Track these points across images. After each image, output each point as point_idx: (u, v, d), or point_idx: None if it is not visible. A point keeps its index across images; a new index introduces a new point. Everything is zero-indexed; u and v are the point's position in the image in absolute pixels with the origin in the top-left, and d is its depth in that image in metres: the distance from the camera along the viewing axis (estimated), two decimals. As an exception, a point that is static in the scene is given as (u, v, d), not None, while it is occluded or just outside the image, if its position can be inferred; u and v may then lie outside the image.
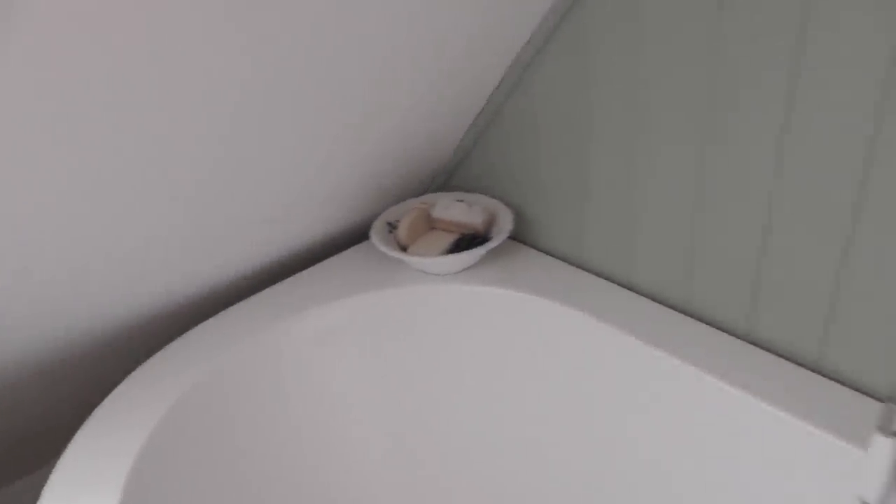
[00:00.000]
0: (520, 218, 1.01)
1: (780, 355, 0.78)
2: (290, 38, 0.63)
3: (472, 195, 1.03)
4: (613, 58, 0.77)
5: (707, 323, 0.83)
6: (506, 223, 0.96)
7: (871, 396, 0.72)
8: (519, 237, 1.02)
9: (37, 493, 1.06)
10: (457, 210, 0.99)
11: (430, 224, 1.00)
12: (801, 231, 0.70)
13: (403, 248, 0.96)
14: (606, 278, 0.92)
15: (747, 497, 0.76)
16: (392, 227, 1.00)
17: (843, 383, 0.74)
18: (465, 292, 0.93)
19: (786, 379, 0.75)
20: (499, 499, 0.98)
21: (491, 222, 0.99)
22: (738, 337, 0.80)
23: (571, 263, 0.96)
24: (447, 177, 1.08)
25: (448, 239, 0.97)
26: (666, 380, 0.80)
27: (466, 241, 0.95)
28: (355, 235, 1.08)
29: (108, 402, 0.79)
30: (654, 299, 0.88)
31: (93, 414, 0.78)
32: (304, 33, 0.64)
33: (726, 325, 0.81)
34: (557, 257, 0.98)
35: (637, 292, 0.89)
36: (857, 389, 0.73)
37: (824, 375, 0.75)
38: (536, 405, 0.94)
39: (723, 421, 0.76)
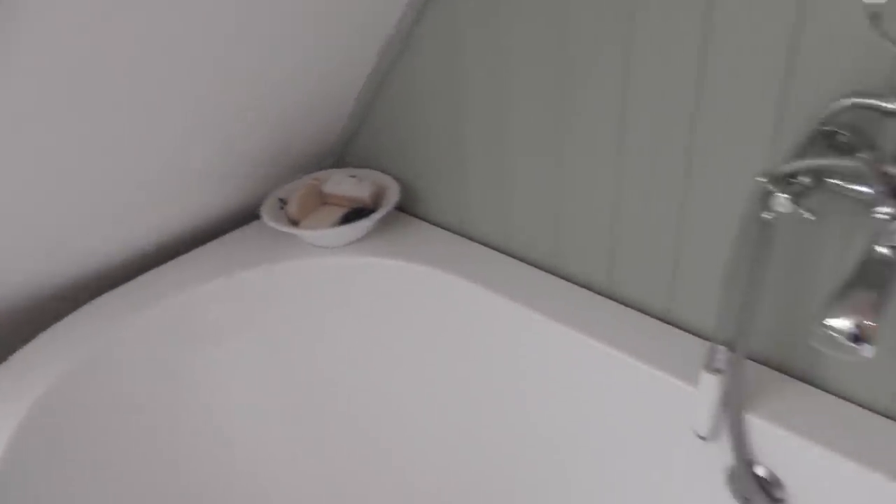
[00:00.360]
0: (408, 191, 1.05)
1: (638, 309, 0.85)
2: (177, 20, 0.65)
3: (363, 171, 1.07)
4: (478, 32, 0.82)
5: (575, 283, 0.90)
6: (393, 195, 1.00)
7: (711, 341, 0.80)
8: (409, 210, 1.06)
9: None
10: (347, 185, 1.02)
11: (321, 200, 1.03)
12: (646, 194, 0.77)
13: (295, 224, 0.99)
14: (488, 245, 0.98)
15: (612, 437, 0.83)
16: (283, 203, 1.03)
17: (688, 331, 0.81)
18: (354, 264, 0.97)
19: (640, 330, 0.82)
20: (395, 471, 1.03)
21: (379, 195, 1.03)
22: (600, 294, 0.87)
23: (456, 233, 1.01)
24: (340, 154, 1.12)
25: (338, 213, 1.00)
26: (537, 337, 0.86)
27: (355, 214, 0.99)
28: (248, 216, 1.10)
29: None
30: (530, 263, 0.94)
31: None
32: (190, 16, 0.66)
33: (591, 284, 0.88)
34: (444, 228, 1.02)
35: (515, 257, 0.95)
36: (698, 335, 0.81)
37: (672, 324, 0.82)
38: (427, 372, 0.99)
39: (590, 373, 0.82)
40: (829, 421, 0.69)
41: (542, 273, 0.92)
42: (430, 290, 0.95)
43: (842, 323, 0.54)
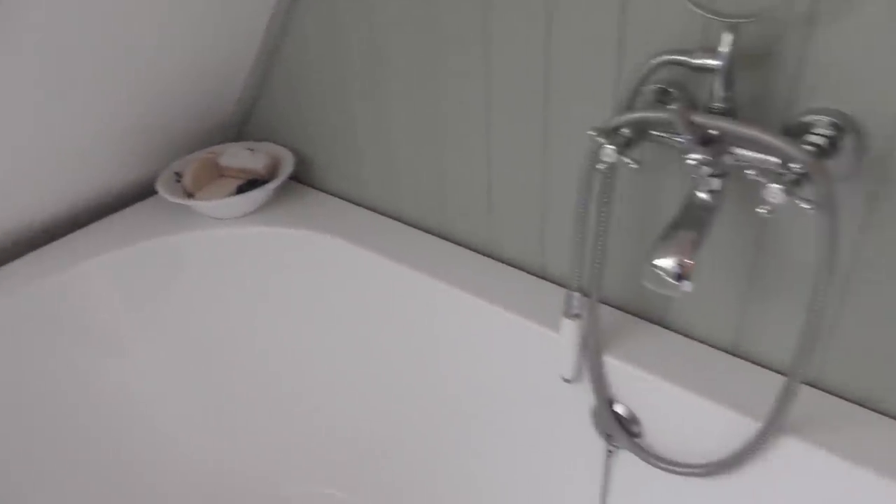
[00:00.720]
0: (305, 162, 1.07)
1: (517, 266, 0.89)
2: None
3: (261, 144, 1.09)
4: (354, 4, 0.85)
5: (459, 244, 0.94)
6: (287, 166, 1.02)
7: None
8: (306, 181, 1.09)
9: None
10: (242, 157, 1.04)
11: (218, 172, 1.05)
12: (513, 156, 0.81)
13: (190, 197, 1.01)
14: (379, 212, 1.01)
15: (491, 385, 0.87)
16: (179, 177, 1.04)
17: (561, 284, 0.86)
18: (249, 233, 0.99)
19: (516, 285, 0.86)
20: (299, 446, 1.07)
21: (275, 167, 1.05)
22: (483, 254, 0.92)
23: (352, 201, 1.04)
24: (239, 128, 1.13)
25: (233, 185, 1.02)
26: (422, 295, 0.89)
27: (250, 185, 1.01)
28: (147, 193, 1.11)
29: None
30: (418, 227, 0.97)
31: None
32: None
33: (472, 245, 0.92)
34: (339, 196, 1.05)
35: (404, 222, 0.98)
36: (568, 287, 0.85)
37: (546, 279, 0.87)
38: (323, 333, 1.02)
39: (469, 326, 0.87)
40: (678, 359, 0.75)
41: (429, 236, 0.96)
42: (322, 255, 0.98)
43: (665, 262, 0.59)
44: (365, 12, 0.84)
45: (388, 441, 1.02)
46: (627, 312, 0.80)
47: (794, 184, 0.54)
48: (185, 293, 1.01)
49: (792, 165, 0.54)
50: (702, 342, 0.76)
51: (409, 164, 0.92)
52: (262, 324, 1.04)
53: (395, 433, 1.01)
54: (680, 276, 0.59)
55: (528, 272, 0.88)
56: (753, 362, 0.73)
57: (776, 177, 0.54)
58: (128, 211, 1.05)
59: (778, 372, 0.73)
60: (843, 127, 0.58)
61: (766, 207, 0.55)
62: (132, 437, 1.00)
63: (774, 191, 0.54)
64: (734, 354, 0.75)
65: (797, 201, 0.54)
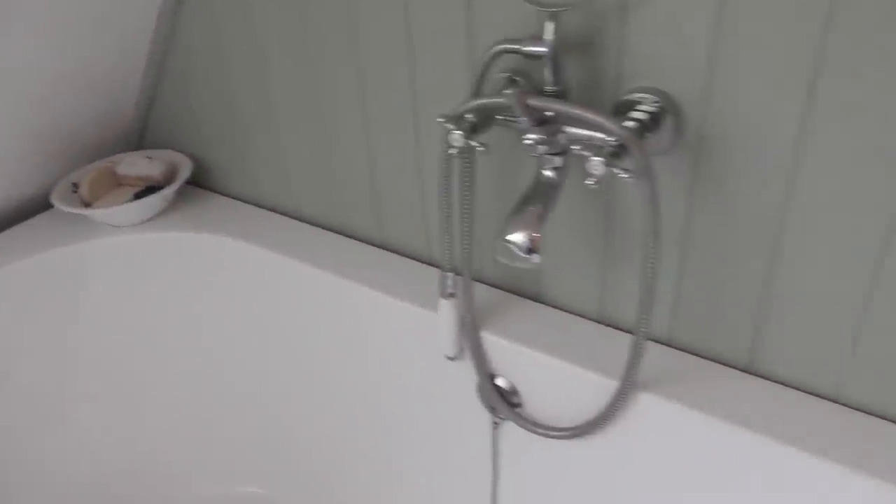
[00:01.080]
0: (204, 166, 1.09)
1: (407, 255, 0.93)
2: None
3: (160, 151, 1.10)
4: (232, 9, 0.88)
5: (351, 237, 0.97)
6: (185, 172, 1.04)
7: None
8: (206, 185, 1.11)
9: None
10: (140, 165, 1.05)
11: (115, 181, 1.06)
12: (391, 146, 0.85)
13: (88, 206, 1.02)
14: (276, 211, 1.04)
15: (383, 368, 0.91)
16: (76, 187, 1.05)
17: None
18: (147, 239, 1.01)
19: (410, 274, 0.90)
20: (215, 445, 1.08)
21: (172, 173, 1.06)
22: (373, 244, 0.95)
23: (250, 203, 1.06)
24: (137, 137, 1.14)
25: (131, 192, 1.03)
26: (314, 288, 0.93)
27: (147, 192, 1.03)
28: (45, 206, 1.11)
29: None
30: (313, 224, 1.00)
31: None
32: None
33: (362, 236, 0.96)
34: (237, 198, 1.08)
35: (300, 219, 1.01)
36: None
37: (434, 265, 0.91)
38: (229, 336, 1.04)
39: (360, 315, 0.90)
40: (550, 331, 0.80)
41: (325, 232, 0.98)
42: (220, 257, 1.00)
43: (515, 237, 0.64)
44: (246, 15, 0.87)
45: (300, 434, 1.05)
46: (504, 290, 0.85)
47: (614, 156, 0.59)
48: (85, 301, 1.02)
49: (610, 139, 0.59)
50: (572, 313, 0.81)
51: (299, 162, 0.95)
52: (167, 326, 1.06)
53: (305, 426, 1.03)
54: (530, 250, 0.64)
55: (417, 259, 0.92)
56: (617, 328, 0.79)
57: (598, 150, 0.59)
58: (22, 225, 1.05)
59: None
60: (664, 103, 0.63)
61: (592, 179, 0.60)
62: (42, 439, 1.00)
63: (595, 163, 0.59)
64: (600, 322, 0.80)
65: (617, 172, 0.59)
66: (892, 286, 0.61)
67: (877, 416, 0.67)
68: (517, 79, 0.70)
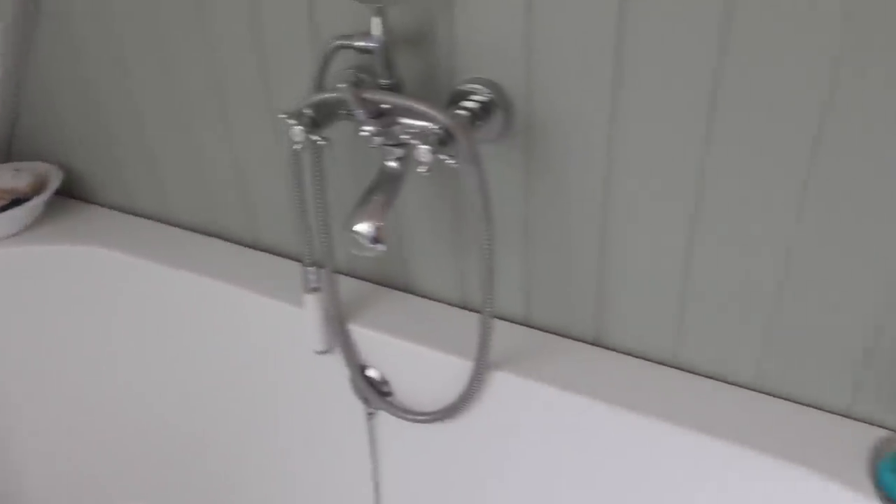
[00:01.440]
0: (75, 177, 1.06)
1: (280, 254, 0.94)
2: None
3: (29, 163, 1.07)
4: (92, 22, 0.87)
5: (225, 239, 0.97)
6: (54, 182, 1.02)
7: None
8: (80, 196, 1.08)
9: None
10: (5, 178, 1.02)
11: (-19, 196, 1.03)
12: (254, 147, 0.85)
13: (-50, 222, 0.98)
14: (150, 218, 1.02)
15: (256, 368, 0.91)
16: (-63, 204, 1.01)
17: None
18: (13, 254, 0.98)
19: (282, 272, 0.90)
20: (99, 462, 1.06)
21: (42, 184, 1.04)
22: (245, 246, 0.95)
23: (125, 211, 1.05)
24: (6, 150, 1.11)
25: (-4, 206, 1.01)
26: (189, 295, 0.92)
27: (14, 205, 1.00)
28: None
29: None
30: (193, 229, 1.00)
31: None
32: None
33: (236, 238, 0.96)
34: (114, 208, 1.05)
35: (174, 225, 1.00)
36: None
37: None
38: (106, 348, 1.02)
39: (236, 318, 0.90)
40: (416, 320, 0.82)
41: (199, 236, 0.98)
42: (94, 267, 0.98)
43: (360, 227, 0.65)
44: (104, 23, 0.86)
45: (185, 441, 1.03)
46: (374, 283, 0.87)
47: (441, 144, 0.61)
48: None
49: (436, 128, 0.62)
50: (438, 301, 0.84)
51: (170, 168, 0.94)
52: (41, 340, 1.03)
53: (190, 432, 1.02)
54: (375, 239, 0.65)
55: (289, 257, 0.92)
56: (479, 312, 0.82)
57: (425, 138, 0.61)
58: None
59: (505, 319, 0.81)
60: (494, 94, 0.66)
61: (423, 167, 0.62)
62: None
63: (423, 151, 0.61)
64: (464, 308, 0.82)
65: (444, 159, 0.62)
66: (704, 260, 0.65)
67: (710, 377, 0.72)
68: (361, 74, 0.72)
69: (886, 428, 0.66)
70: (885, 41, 0.51)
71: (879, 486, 0.60)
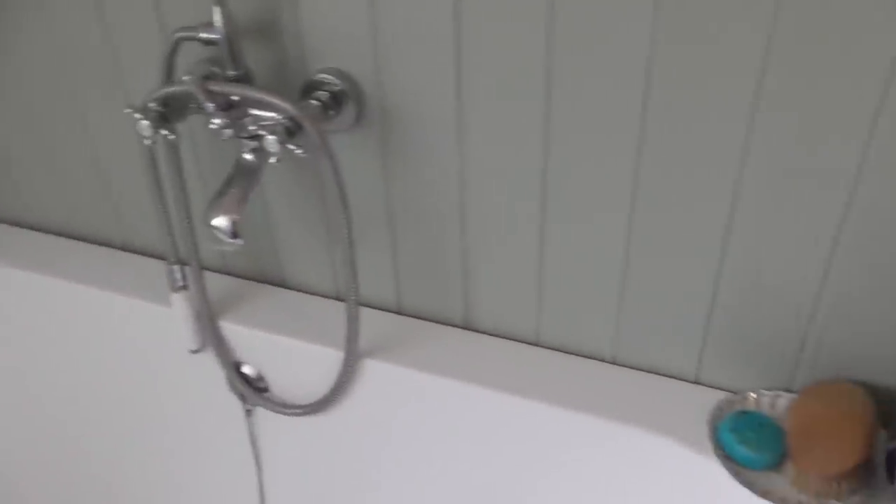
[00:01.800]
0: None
1: (149, 254, 0.91)
2: None
3: None
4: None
5: (92, 242, 0.92)
6: None
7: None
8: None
9: None
10: None
11: None
12: (119, 146, 0.82)
13: None
14: (50, 232, 0.95)
15: (144, 372, 0.89)
16: None
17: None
18: None
19: (150, 272, 0.87)
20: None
21: None
22: (115, 248, 0.92)
23: (13, 224, 0.99)
24: None
25: None
26: (55, 300, 0.89)
27: None
28: None
29: None
30: (60, 235, 0.95)
31: None
32: None
33: (104, 241, 0.92)
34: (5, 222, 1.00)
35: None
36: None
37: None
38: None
39: (109, 323, 0.87)
40: (291, 314, 0.81)
41: (67, 240, 0.93)
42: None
43: (217, 221, 0.64)
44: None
45: (66, 449, 1.00)
46: (248, 279, 0.86)
47: (289, 134, 0.61)
48: None
49: (283, 118, 0.62)
50: (314, 294, 0.84)
51: (29, 172, 0.90)
52: None
53: (70, 440, 0.99)
54: (232, 233, 0.65)
55: (160, 258, 0.90)
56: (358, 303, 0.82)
57: (273, 129, 0.61)
58: None
59: (377, 308, 0.82)
60: (344, 83, 0.67)
61: (274, 157, 0.62)
62: None
63: (270, 141, 0.61)
64: (339, 300, 0.83)
65: (293, 148, 0.62)
66: (556, 238, 0.68)
67: (571, 353, 0.74)
68: (213, 67, 0.71)
69: (730, 391, 0.71)
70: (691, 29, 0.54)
71: (719, 445, 0.64)
